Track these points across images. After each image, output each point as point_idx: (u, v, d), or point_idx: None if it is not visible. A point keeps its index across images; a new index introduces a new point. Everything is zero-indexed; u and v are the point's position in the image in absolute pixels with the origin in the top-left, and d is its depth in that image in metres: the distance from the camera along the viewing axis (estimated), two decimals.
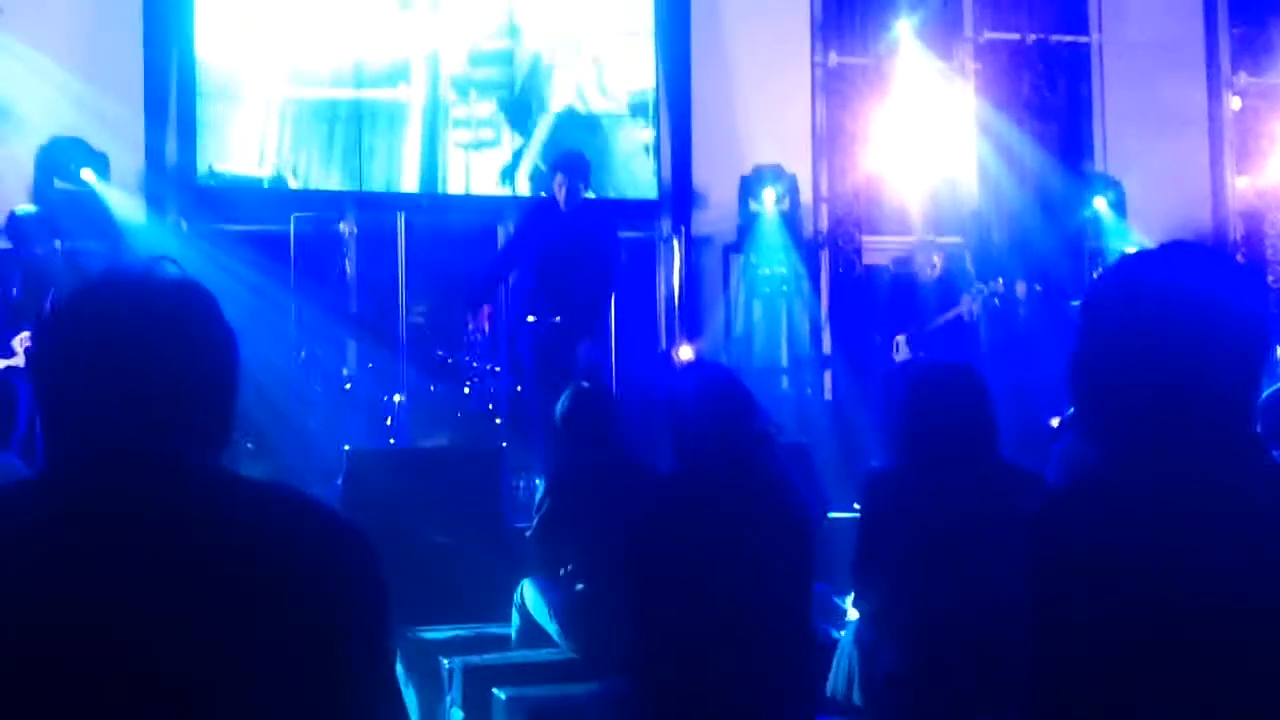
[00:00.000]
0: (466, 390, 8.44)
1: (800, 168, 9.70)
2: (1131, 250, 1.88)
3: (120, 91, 8.51)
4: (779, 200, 9.45)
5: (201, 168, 8.83)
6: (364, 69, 9.10)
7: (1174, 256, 1.70)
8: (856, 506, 3.89)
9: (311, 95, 9.01)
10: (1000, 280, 8.57)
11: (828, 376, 9.60)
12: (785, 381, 9.61)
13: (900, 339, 8.49)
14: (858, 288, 9.61)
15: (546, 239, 7.43)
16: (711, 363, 8.15)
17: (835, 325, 9.76)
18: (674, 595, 3.35)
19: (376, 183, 9.11)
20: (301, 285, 8.41)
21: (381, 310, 9.01)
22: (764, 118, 9.63)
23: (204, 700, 1.40)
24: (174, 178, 8.71)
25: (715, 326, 9.50)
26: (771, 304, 9.61)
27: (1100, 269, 8.39)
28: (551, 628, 4.82)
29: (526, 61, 9.40)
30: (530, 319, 7.46)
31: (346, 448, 6.64)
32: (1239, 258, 10.21)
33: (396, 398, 8.29)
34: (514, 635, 5.09)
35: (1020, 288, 9.25)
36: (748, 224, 9.52)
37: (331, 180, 9.05)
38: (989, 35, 10.31)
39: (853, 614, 3.89)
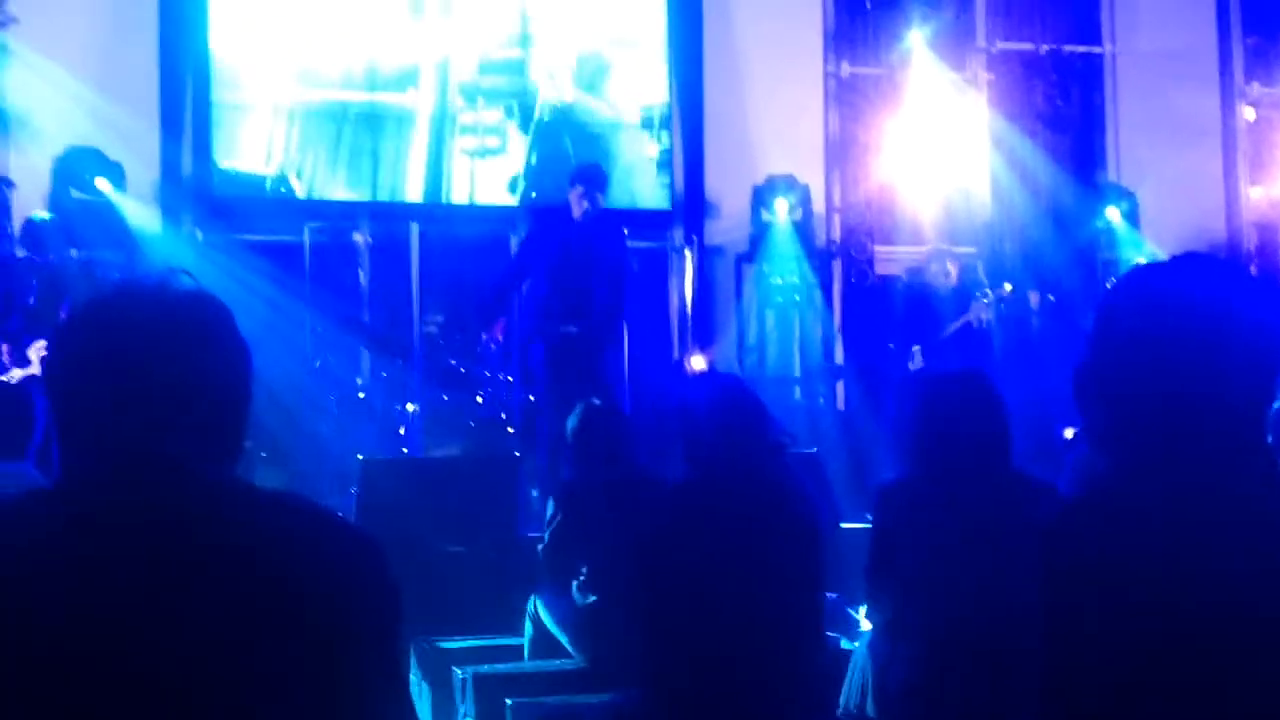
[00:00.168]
0: (479, 399, 8.46)
1: (813, 178, 9.70)
2: (1145, 261, 1.88)
3: (136, 102, 8.55)
4: (791, 210, 9.45)
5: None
6: (374, 74, 9.12)
7: (1187, 267, 1.70)
8: (869, 517, 3.88)
9: (320, 98, 9.03)
10: (1008, 285, 8.54)
11: (840, 387, 9.59)
12: (798, 391, 9.60)
13: (917, 349, 8.48)
14: (870, 298, 9.61)
15: (560, 249, 7.44)
16: (724, 373, 8.16)
17: (848, 335, 9.75)
18: (686, 605, 3.35)
19: (382, 187, 9.12)
20: (316, 295, 8.44)
21: (395, 320, 9.03)
22: (776, 128, 9.64)
23: (218, 708, 1.40)
24: (189, 188, 8.74)
25: (728, 336, 9.50)
26: (784, 314, 9.61)
27: (1113, 279, 8.38)
28: (564, 638, 4.82)
29: (536, 71, 9.41)
30: (545, 329, 7.46)
31: (360, 457, 6.65)
32: (1252, 269, 10.18)
33: (410, 407, 8.31)
34: (527, 645, 5.09)
35: (1034, 298, 9.23)
36: (760, 234, 9.52)
37: (338, 183, 9.06)
38: (1002, 46, 10.31)
39: (866, 625, 3.89)
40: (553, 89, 9.46)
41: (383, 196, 9.12)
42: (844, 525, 5.88)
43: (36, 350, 6.94)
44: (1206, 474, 1.61)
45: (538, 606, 4.99)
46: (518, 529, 6.42)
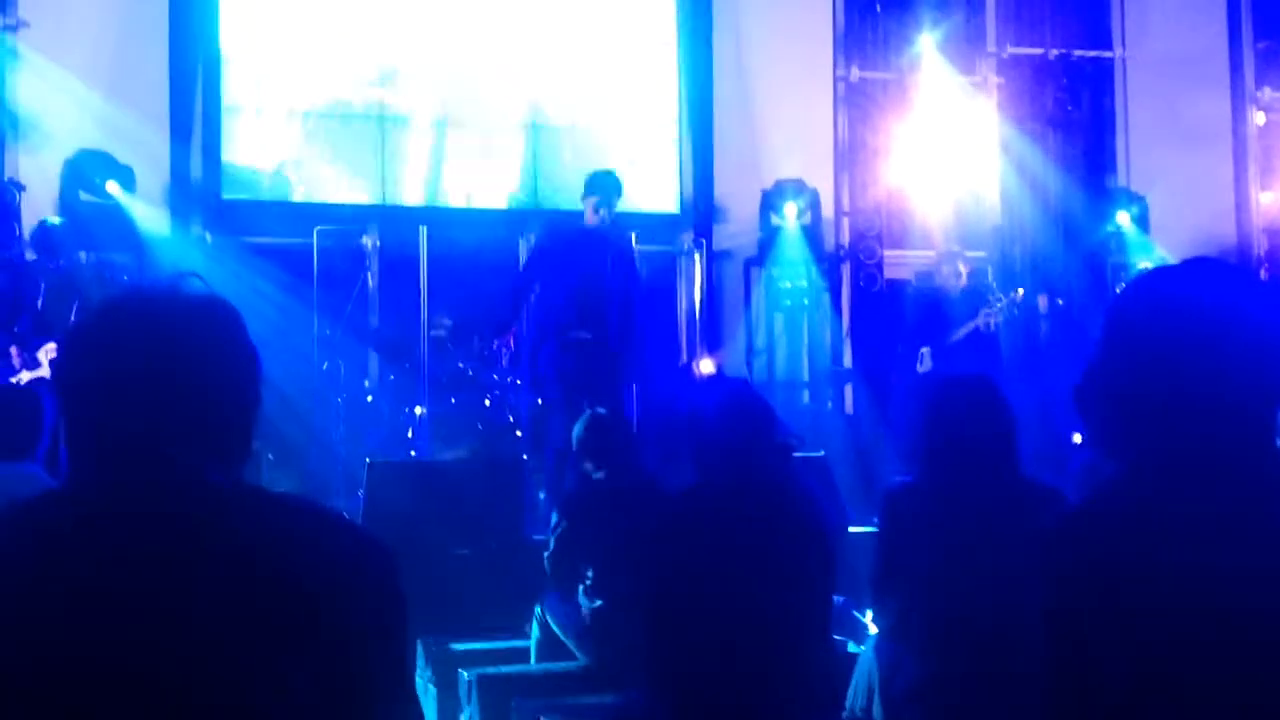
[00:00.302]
0: (487, 403, 8.46)
1: (822, 182, 9.70)
2: (1154, 266, 1.87)
3: (145, 105, 8.57)
4: (800, 214, 9.45)
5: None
6: (375, 73, 9.12)
7: (1197, 272, 1.70)
8: (876, 521, 3.88)
9: (323, 99, 9.03)
10: (1020, 291, 8.52)
11: (849, 391, 9.58)
12: (806, 395, 9.60)
13: (925, 351, 8.46)
14: (879, 302, 9.60)
15: (573, 256, 7.44)
16: (732, 376, 8.16)
17: (856, 339, 9.75)
18: (694, 608, 3.35)
19: (385, 188, 9.11)
20: (324, 298, 8.45)
21: (403, 323, 9.04)
22: (786, 132, 9.64)
23: (224, 711, 1.41)
24: (198, 191, 8.76)
25: (736, 340, 9.50)
26: (792, 318, 9.61)
27: (1123, 284, 8.37)
28: (570, 641, 4.83)
29: (540, 74, 9.42)
30: (559, 335, 7.46)
31: (368, 460, 6.66)
32: (1262, 274, 10.16)
33: (418, 410, 8.32)
34: (533, 648, 5.10)
35: (1042, 302, 9.22)
36: (769, 238, 9.52)
37: (338, 182, 9.05)
38: (1012, 50, 10.30)
39: (873, 628, 3.88)
40: (558, 92, 9.47)
41: (384, 197, 9.12)
42: (851, 529, 5.87)
43: (46, 353, 6.96)
44: (1215, 478, 1.61)
45: (544, 610, 4.99)
46: (524, 532, 6.43)
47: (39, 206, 8.18)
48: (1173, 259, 1.99)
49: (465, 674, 4.96)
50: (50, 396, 4.40)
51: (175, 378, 1.49)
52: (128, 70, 8.61)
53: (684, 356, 9.35)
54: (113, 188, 8.28)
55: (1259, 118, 10.67)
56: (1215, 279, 1.68)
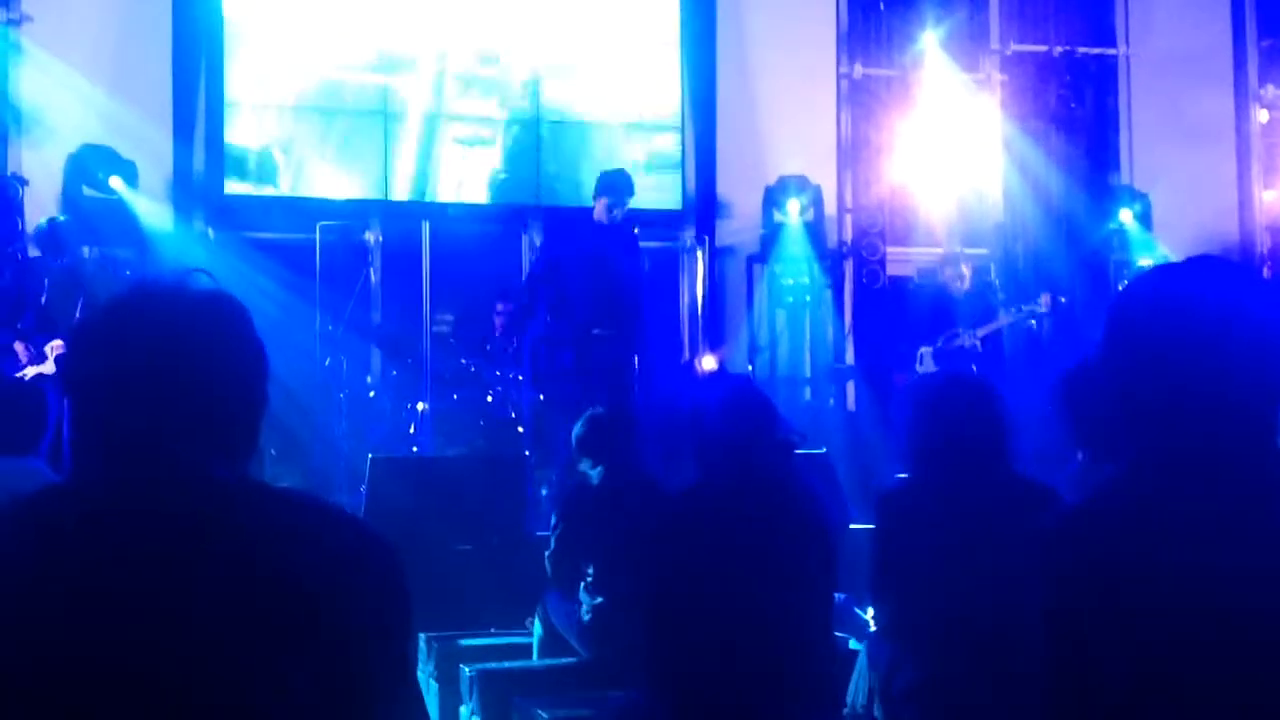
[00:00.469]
0: (489, 399, 8.47)
1: (825, 179, 9.70)
2: (1155, 263, 1.87)
3: (148, 99, 8.57)
4: (803, 211, 9.45)
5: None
6: (377, 63, 9.10)
7: (1199, 270, 1.70)
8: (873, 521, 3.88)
9: (323, 91, 9.01)
10: (1046, 298, 8.50)
11: (850, 387, 9.58)
12: (808, 392, 9.60)
13: (926, 351, 8.46)
14: (881, 299, 9.59)
15: (584, 254, 7.45)
16: (734, 373, 8.16)
17: (858, 336, 9.74)
18: (695, 605, 3.35)
19: (383, 180, 9.09)
20: (326, 294, 8.45)
21: (405, 319, 9.05)
22: (789, 128, 9.64)
23: (229, 706, 1.41)
24: (201, 186, 8.76)
25: (738, 337, 9.50)
26: (795, 314, 9.61)
27: (1125, 282, 8.36)
28: (571, 638, 4.83)
29: (540, 66, 9.41)
30: (571, 333, 7.47)
31: (370, 456, 6.67)
32: (1265, 272, 10.15)
33: (420, 406, 8.32)
34: (535, 644, 5.11)
35: (1045, 300, 9.21)
36: (772, 234, 9.52)
37: (339, 174, 9.03)
38: (1015, 47, 10.29)
39: (874, 626, 3.89)
40: (562, 88, 9.46)
41: (386, 192, 9.10)
42: (853, 526, 5.87)
43: (53, 348, 6.96)
44: (1216, 477, 1.61)
45: (545, 607, 5.00)
46: (526, 528, 6.43)
47: (42, 201, 8.19)
48: (1175, 257, 1.99)
49: (466, 669, 4.97)
50: (54, 392, 4.40)
51: (182, 374, 1.49)
52: (130, 64, 8.61)
53: (686, 353, 9.35)
54: (116, 183, 8.29)
55: (1262, 115, 10.66)
56: (1218, 277, 1.68)
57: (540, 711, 4.40)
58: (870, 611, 3.87)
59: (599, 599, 4.70)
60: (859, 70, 10.03)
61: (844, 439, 8.36)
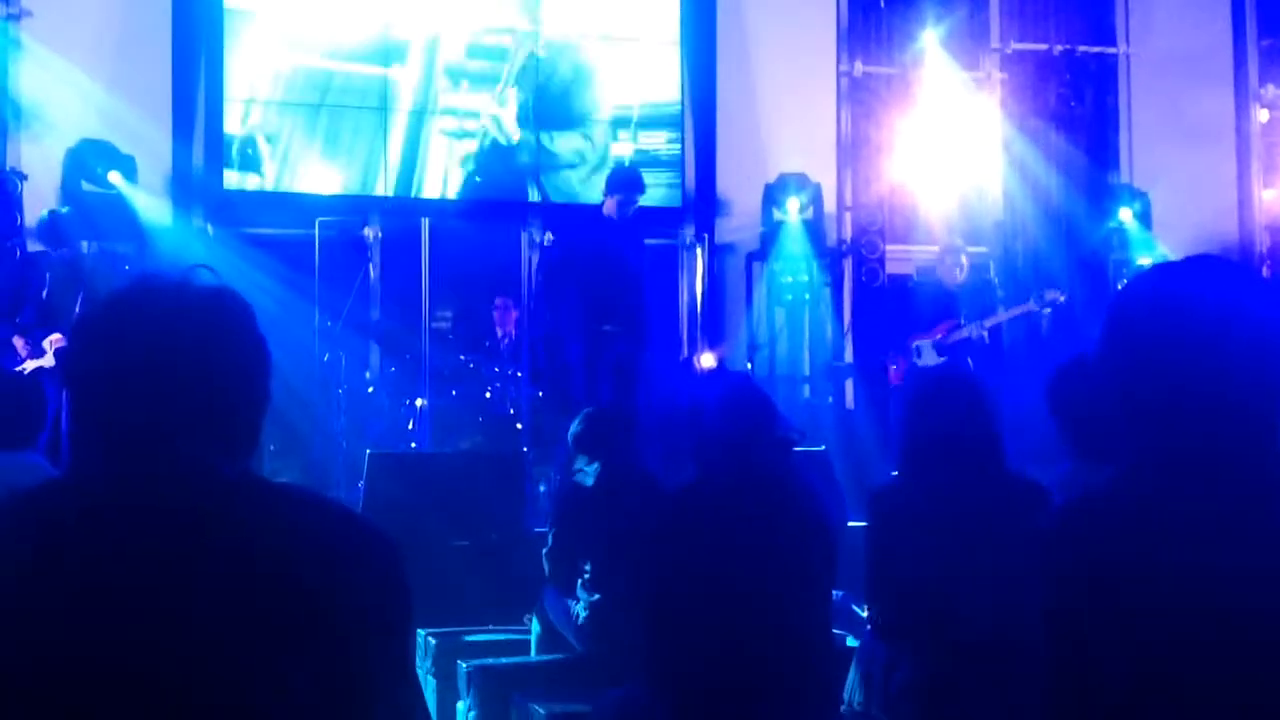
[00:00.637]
0: (488, 395, 8.47)
1: (824, 176, 9.70)
2: (1154, 262, 1.87)
3: (148, 94, 8.56)
4: (803, 209, 9.45)
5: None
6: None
7: (1199, 269, 1.70)
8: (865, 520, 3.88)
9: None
10: (1061, 296, 8.50)
11: (849, 385, 9.58)
12: (807, 390, 9.59)
13: (923, 342, 8.44)
14: (880, 297, 9.60)
15: (595, 249, 7.48)
16: (733, 371, 8.16)
17: (857, 334, 9.74)
18: (694, 601, 3.35)
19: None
20: (325, 290, 8.45)
21: (404, 315, 9.05)
22: (789, 126, 9.64)
23: (230, 701, 1.41)
24: (200, 182, 8.75)
25: (738, 334, 9.50)
26: (794, 312, 9.61)
27: (1124, 281, 8.36)
28: (569, 634, 4.84)
29: (545, 67, 9.40)
30: (583, 329, 7.48)
31: (368, 451, 6.67)
32: (1264, 271, 10.16)
33: (419, 402, 8.32)
34: (533, 640, 5.11)
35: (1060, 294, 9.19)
36: (771, 232, 9.52)
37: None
38: (1016, 46, 10.29)
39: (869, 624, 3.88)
40: (563, 85, 9.46)
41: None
42: (851, 523, 5.87)
43: (52, 343, 6.96)
44: (1215, 477, 1.61)
45: (544, 602, 5.00)
46: (524, 524, 6.44)
47: (41, 196, 8.18)
48: (1175, 256, 1.99)
49: (464, 665, 4.97)
50: (53, 386, 4.40)
51: (183, 369, 1.49)
52: (130, 59, 8.60)
53: (685, 351, 9.35)
54: (115, 178, 8.28)
55: (1262, 115, 10.66)
56: (1217, 276, 1.68)
57: (538, 707, 4.40)
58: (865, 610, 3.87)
59: (596, 596, 4.70)
60: (859, 68, 10.03)
61: (842, 437, 8.36)
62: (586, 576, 4.75)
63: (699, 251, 9.38)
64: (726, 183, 9.63)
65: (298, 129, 8.98)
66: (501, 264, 9.43)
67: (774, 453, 3.55)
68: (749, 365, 9.13)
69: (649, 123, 9.55)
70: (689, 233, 9.55)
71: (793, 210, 9.41)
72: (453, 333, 9.23)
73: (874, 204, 9.95)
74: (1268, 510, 1.60)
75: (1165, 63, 10.33)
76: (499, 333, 8.95)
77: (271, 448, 7.60)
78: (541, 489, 7.28)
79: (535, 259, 8.89)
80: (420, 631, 5.31)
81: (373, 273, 8.98)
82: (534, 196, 9.28)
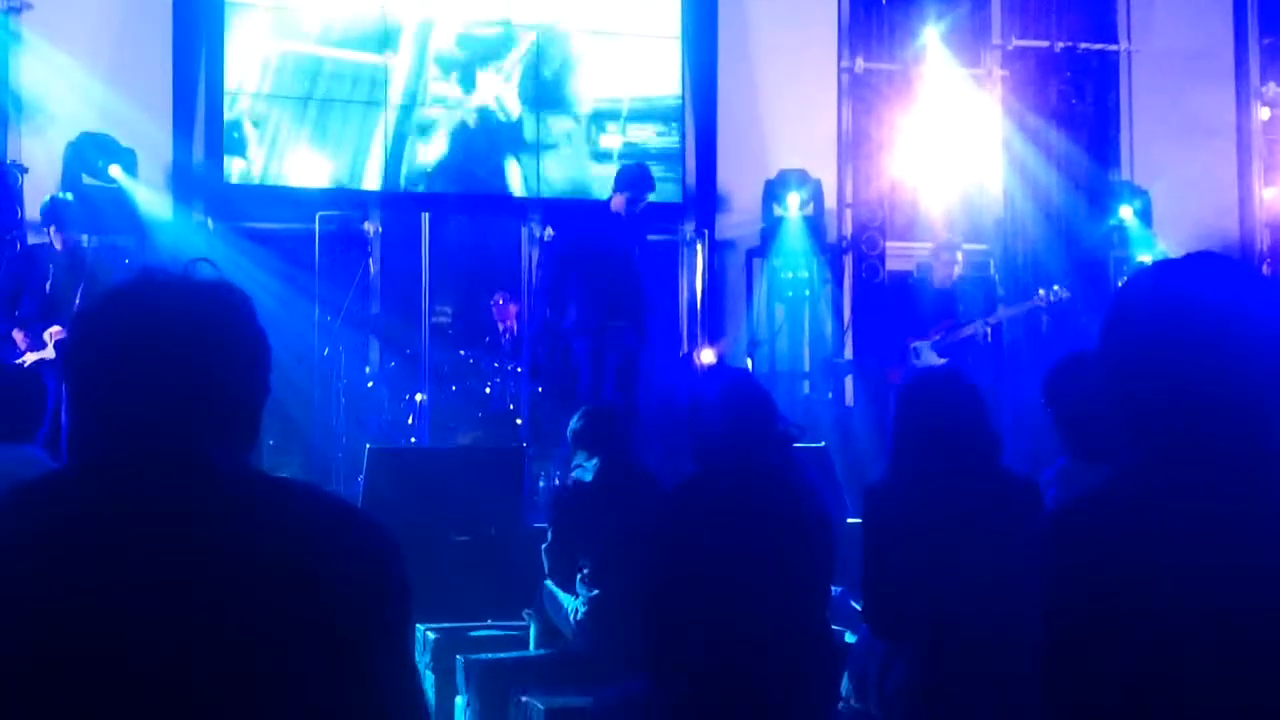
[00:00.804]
0: (488, 391, 8.47)
1: (825, 173, 9.69)
2: (1153, 260, 1.87)
3: (149, 88, 8.55)
4: (803, 205, 9.45)
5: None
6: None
7: (1199, 267, 1.69)
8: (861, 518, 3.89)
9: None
10: (1067, 291, 8.51)
11: (849, 382, 9.58)
12: (807, 386, 9.60)
13: (922, 344, 8.44)
14: (881, 293, 9.60)
15: (603, 244, 7.48)
16: (733, 367, 8.16)
17: (857, 331, 9.74)
18: (694, 596, 3.35)
19: (382, 171, 9.05)
20: (325, 284, 8.45)
21: (404, 310, 9.04)
22: (789, 122, 9.63)
23: (231, 695, 1.41)
24: (200, 176, 8.75)
25: (738, 331, 9.49)
26: (794, 309, 9.61)
27: (1124, 279, 8.35)
28: (567, 630, 4.84)
29: (545, 65, 9.39)
30: (590, 324, 7.48)
31: (368, 446, 6.67)
32: (1265, 269, 10.15)
33: (419, 397, 8.32)
34: (532, 635, 5.11)
35: (1043, 295, 9.20)
36: (771, 228, 9.52)
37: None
38: (1017, 43, 10.28)
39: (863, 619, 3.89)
40: (563, 82, 9.45)
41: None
42: (850, 520, 5.88)
43: (52, 335, 6.95)
44: (1214, 475, 1.61)
45: (543, 597, 5.01)
46: (524, 519, 6.44)
47: (42, 189, 8.17)
48: (1175, 254, 1.99)
49: (463, 660, 4.97)
50: (54, 379, 4.40)
51: (183, 362, 1.49)
52: (131, 53, 8.59)
53: (685, 346, 9.35)
54: (115, 171, 8.27)
55: (1263, 113, 10.65)
56: (1217, 274, 1.68)
57: (536, 702, 4.40)
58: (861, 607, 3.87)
59: (595, 591, 4.70)
60: (860, 64, 10.02)
61: (842, 433, 8.36)
62: (585, 572, 4.76)
63: (699, 247, 9.37)
64: (727, 179, 9.62)
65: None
66: (501, 259, 9.43)
67: (773, 449, 3.56)
68: (749, 361, 9.13)
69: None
70: (689, 229, 9.55)
71: (793, 206, 9.41)
72: (453, 328, 9.23)
73: (874, 200, 9.94)
74: (1266, 509, 1.60)
75: (1166, 60, 10.32)
76: (499, 328, 8.95)
77: (271, 442, 7.60)
78: (541, 484, 7.28)
79: (535, 254, 8.89)
80: (419, 626, 5.31)
81: (373, 267, 8.98)
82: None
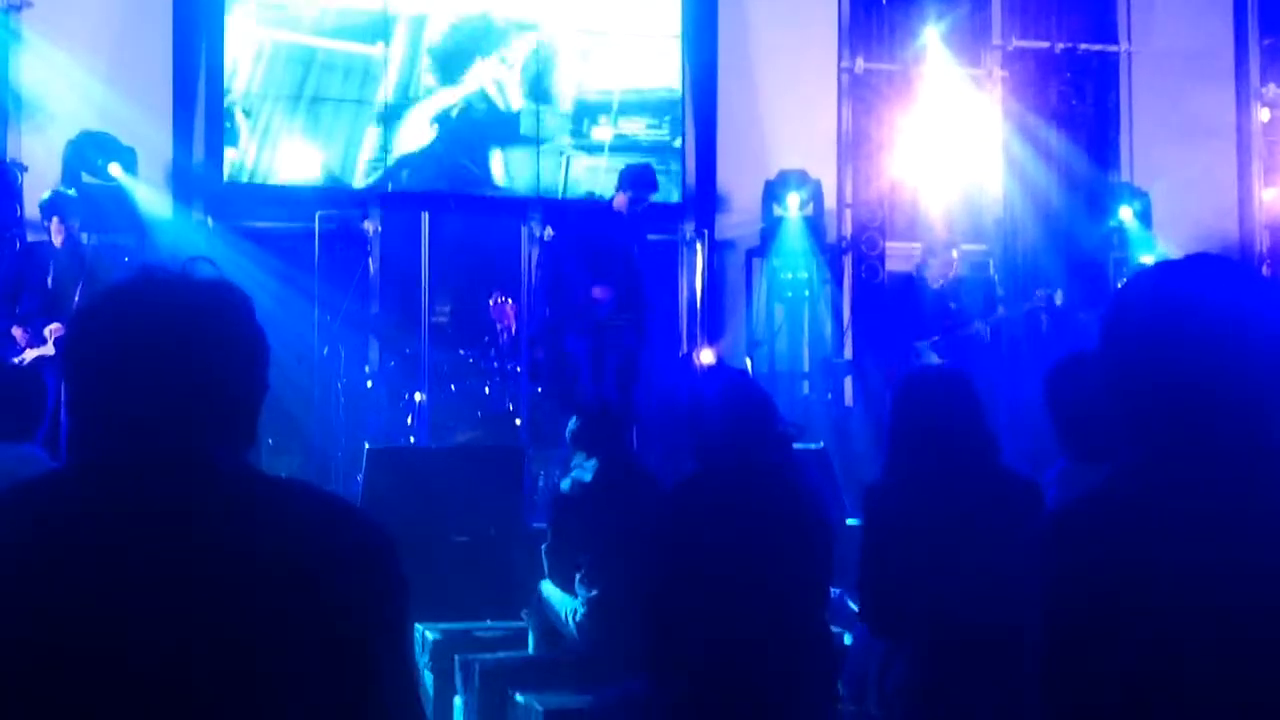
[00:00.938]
0: (487, 390, 8.46)
1: (825, 173, 9.70)
2: (1152, 261, 1.87)
3: (149, 87, 8.56)
4: (803, 205, 9.45)
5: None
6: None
7: (1199, 268, 1.69)
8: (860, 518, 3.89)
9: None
10: (1060, 292, 8.53)
11: (848, 382, 9.58)
12: (806, 386, 9.60)
13: (924, 344, 8.46)
14: (880, 293, 9.60)
15: (606, 243, 7.49)
16: (732, 367, 8.16)
17: (857, 330, 9.74)
18: (693, 596, 3.35)
19: (382, 169, 9.04)
20: (325, 283, 8.45)
21: (404, 309, 9.04)
22: (790, 122, 9.63)
23: (230, 694, 1.41)
24: (200, 175, 8.75)
25: (737, 330, 9.50)
26: (794, 309, 9.61)
27: (1124, 279, 8.36)
28: (567, 630, 4.84)
29: (545, 64, 9.39)
30: (593, 322, 7.49)
31: (367, 446, 6.66)
32: (1264, 270, 10.16)
33: (418, 397, 8.32)
34: (531, 634, 5.11)
35: (1041, 295, 9.21)
36: (771, 228, 9.52)
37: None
38: (1017, 43, 10.28)
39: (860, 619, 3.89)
40: (563, 82, 9.44)
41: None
42: (849, 520, 5.88)
43: (52, 332, 6.95)
44: (1214, 475, 1.61)
45: (542, 597, 5.01)
46: (523, 519, 6.44)
47: (42, 187, 8.17)
48: (1175, 255, 1.99)
49: (461, 660, 4.97)
50: (54, 376, 4.40)
51: (182, 360, 1.49)
52: (131, 52, 8.59)
53: (684, 346, 9.35)
54: (115, 170, 8.27)
55: (1263, 114, 10.66)
56: (1217, 275, 1.68)
57: (535, 702, 4.40)
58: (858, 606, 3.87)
59: (594, 591, 4.70)
60: (860, 65, 10.02)
61: (841, 433, 8.36)
62: (584, 572, 4.76)
63: (699, 247, 9.37)
64: (726, 179, 9.63)
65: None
66: (501, 258, 9.42)
67: (772, 449, 3.56)
68: (748, 361, 9.13)
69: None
70: (689, 229, 9.55)
71: (793, 206, 9.41)
72: (452, 327, 9.23)
73: (874, 201, 9.95)
74: (1267, 507, 1.60)
75: (1166, 61, 10.32)
76: (498, 328, 8.94)
77: (270, 441, 7.59)
78: (541, 484, 7.28)
79: (535, 254, 8.89)
80: (418, 626, 5.32)
81: (372, 266, 8.98)
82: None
